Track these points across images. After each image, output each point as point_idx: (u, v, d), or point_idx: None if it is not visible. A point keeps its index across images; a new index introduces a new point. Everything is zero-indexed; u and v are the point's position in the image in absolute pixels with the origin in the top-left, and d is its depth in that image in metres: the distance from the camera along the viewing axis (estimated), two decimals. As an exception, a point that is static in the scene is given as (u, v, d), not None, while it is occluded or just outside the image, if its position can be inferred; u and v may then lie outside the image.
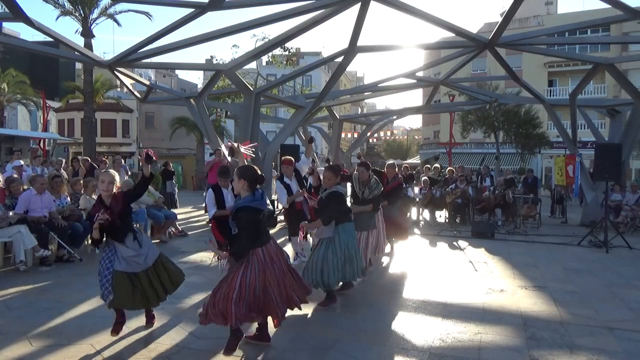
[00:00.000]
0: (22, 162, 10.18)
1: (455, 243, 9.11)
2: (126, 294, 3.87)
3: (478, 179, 13.69)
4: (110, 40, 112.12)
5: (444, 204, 11.78)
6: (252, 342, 3.87)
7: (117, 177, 4.01)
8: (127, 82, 12.03)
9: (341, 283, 5.26)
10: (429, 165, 15.49)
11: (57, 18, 20.38)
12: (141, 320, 4.46)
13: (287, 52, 22.53)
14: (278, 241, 6.67)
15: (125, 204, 3.94)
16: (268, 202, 3.85)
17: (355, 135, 30.22)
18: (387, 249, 7.35)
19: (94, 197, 8.03)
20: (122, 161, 11.68)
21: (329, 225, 4.93)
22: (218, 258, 3.85)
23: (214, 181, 6.24)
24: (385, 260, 7.29)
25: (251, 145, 5.45)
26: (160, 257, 4.13)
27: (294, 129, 15.20)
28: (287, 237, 7.36)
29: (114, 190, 3.93)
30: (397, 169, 7.60)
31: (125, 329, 4.20)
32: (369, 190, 6.00)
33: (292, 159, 7.17)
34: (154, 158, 3.99)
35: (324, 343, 4.02)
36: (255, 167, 3.82)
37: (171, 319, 4.53)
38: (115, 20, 21.19)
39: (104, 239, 3.93)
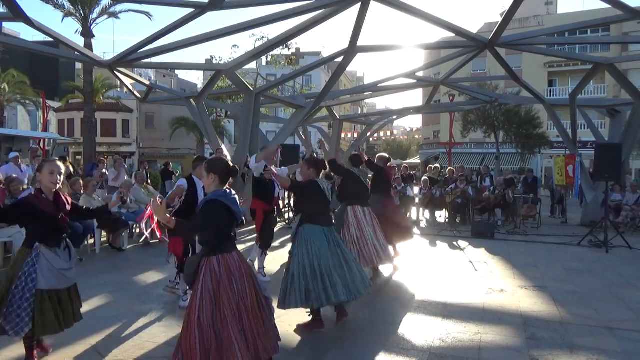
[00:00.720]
0: (17, 153, 10.19)
1: (455, 243, 9.11)
2: (51, 317, 3.25)
3: (478, 179, 13.69)
4: (110, 40, 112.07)
5: (444, 204, 11.78)
6: None
7: (63, 169, 3.49)
8: (127, 82, 12.03)
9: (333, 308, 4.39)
10: (431, 166, 15.49)
11: (63, 19, 20.38)
12: (140, 320, 4.46)
13: (289, 51, 22.57)
14: (280, 241, 6.69)
15: (71, 209, 3.55)
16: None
17: (355, 135, 30.21)
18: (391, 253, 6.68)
19: (95, 197, 8.05)
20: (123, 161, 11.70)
21: (294, 221, 4.34)
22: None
23: None
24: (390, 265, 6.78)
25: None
26: None
27: (294, 129, 15.19)
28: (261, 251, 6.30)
29: (60, 184, 3.46)
30: (390, 164, 7.17)
31: (125, 329, 4.20)
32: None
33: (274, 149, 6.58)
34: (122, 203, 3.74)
35: (324, 343, 4.02)
36: (226, 159, 3.29)
37: (171, 319, 4.52)
38: (115, 17, 21.17)
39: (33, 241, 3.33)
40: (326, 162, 4.89)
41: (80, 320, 3.59)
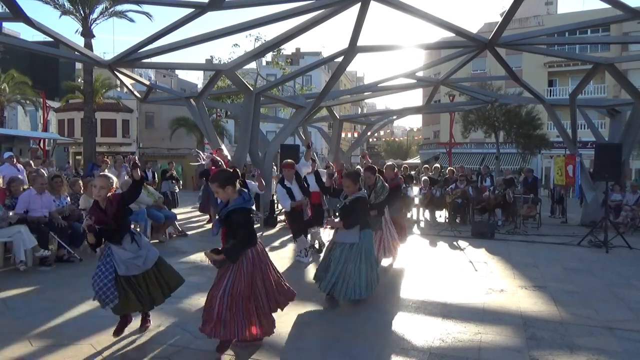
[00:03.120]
0: (12, 153, 10.20)
1: (455, 243, 9.11)
2: (128, 298, 3.84)
3: (478, 179, 13.69)
4: (110, 40, 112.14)
5: (444, 204, 11.78)
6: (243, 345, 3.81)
7: (113, 181, 3.96)
8: (127, 82, 12.03)
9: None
10: (427, 166, 15.47)
11: (60, 16, 20.37)
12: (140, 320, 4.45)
13: (278, 53, 22.69)
14: (280, 241, 6.77)
15: (121, 206, 3.90)
16: (253, 203, 3.77)
17: (355, 135, 30.22)
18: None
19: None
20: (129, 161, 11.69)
21: (353, 229, 4.92)
22: (213, 262, 3.70)
23: None
24: (388, 261, 7.07)
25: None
26: (160, 259, 4.09)
27: (294, 129, 15.20)
28: (292, 238, 7.52)
29: (109, 194, 3.88)
30: (396, 170, 7.51)
31: (126, 330, 4.20)
32: (374, 195, 6.09)
33: (293, 162, 7.42)
34: (138, 164, 4.00)
35: (324, 343, 4.02)
36: (226, 168, 3.82)
37: (171, 319, 4.52)
38: (129, 19, 21.23)
39: (103, 241, 3.92)
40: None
41: (161, 303, 4.09)
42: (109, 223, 3.82)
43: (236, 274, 3.58)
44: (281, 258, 7.29)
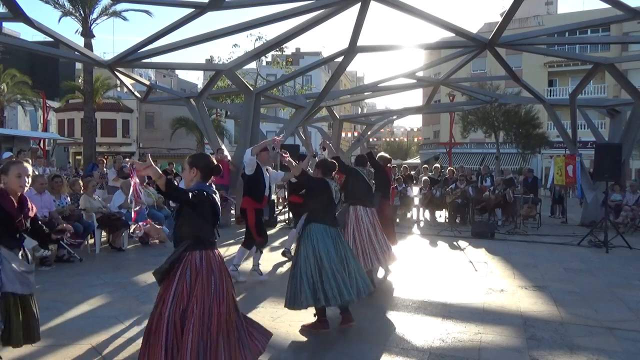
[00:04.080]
0: (11, 153, 10.21)
1: (455, 243, 9.11)
2: (18, 325, 2.95)
3: (478, 179, 13.70)
4: (110, 40, 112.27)
5: (444, 204, 11.78)
6: None
7: (31, 171, 3.27)
8: (127, 82, 12.02)
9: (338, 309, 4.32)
10: (427, 166, 15.47)
11: (59, 19, 20.47)
12: (140, 320, 4.45)
13: (281, 53, 22.72)
14: (280, 241, 6.70)
15: (33, 215, 3.29)
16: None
17: (356, 135, 30.24)
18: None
19: (95, 197, 8.06)
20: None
21: (299, 222, 4.49)
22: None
23: (216, 181, 6.06)
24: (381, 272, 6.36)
25: None
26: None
27: (294, 129, 15.19)
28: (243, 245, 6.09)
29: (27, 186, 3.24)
30: (390, 166, 7.07)
31: (125, 329, 4.20)
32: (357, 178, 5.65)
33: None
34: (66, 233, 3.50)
35: (324, 343, 4.02)
36: (210, 156, 3.15)
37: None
38: (123, 17, 21.28)
39: None
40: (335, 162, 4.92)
41: (37, 341, 3.19)
42: (22, 220, 3.12)
43: (174, 293, 2.77)
44: (281, 258, 7.28)
